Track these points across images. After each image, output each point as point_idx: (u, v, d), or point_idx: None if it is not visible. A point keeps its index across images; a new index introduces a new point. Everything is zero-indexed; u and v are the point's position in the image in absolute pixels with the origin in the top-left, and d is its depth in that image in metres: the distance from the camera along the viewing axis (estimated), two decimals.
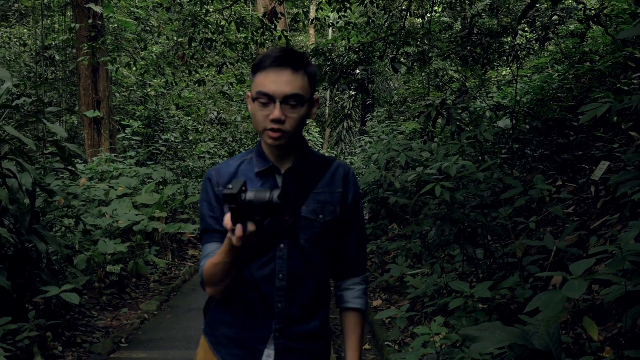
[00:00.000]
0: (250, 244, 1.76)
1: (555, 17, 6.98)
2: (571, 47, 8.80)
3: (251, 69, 2.04)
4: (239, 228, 1.69)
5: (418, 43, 9.04)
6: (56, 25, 14.67)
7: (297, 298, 2.06)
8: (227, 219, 1.71)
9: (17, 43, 15.06)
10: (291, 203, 2.04)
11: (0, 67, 5.93)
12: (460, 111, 6.38)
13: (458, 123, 6.22)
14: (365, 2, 8.98)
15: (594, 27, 8.46)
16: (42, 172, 7.41)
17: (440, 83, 12.54)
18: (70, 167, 6.12)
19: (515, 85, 7.09)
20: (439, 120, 6.61)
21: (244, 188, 1.67)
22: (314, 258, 2.07)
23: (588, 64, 7.93)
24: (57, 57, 14.54)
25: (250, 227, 1.70)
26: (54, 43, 14.40)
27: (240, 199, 1.65)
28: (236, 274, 2.00)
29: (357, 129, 24.48)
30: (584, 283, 2.67)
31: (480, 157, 6.16)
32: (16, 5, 16.60)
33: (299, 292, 2.06)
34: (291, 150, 2.08)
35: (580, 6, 6.62)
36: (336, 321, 2.56)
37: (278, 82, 1.95)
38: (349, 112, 24.84)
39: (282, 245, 2.04)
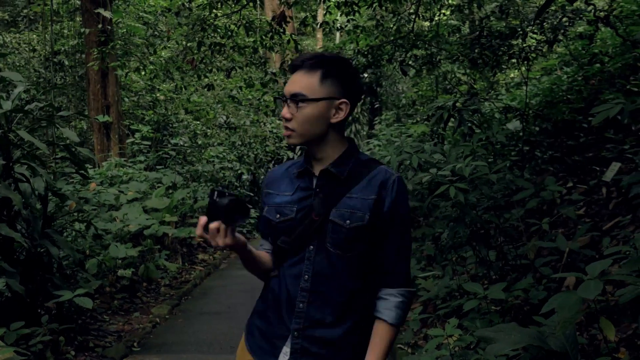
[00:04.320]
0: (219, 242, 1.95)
1: (565, 18, 6.96)
2: (580, 48, 8.78)
3: None
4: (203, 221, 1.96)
5: (427, 46, 9.04)
6: (65, 31, 14.72)
7: (320, 301, 2.07)
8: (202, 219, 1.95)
9: (27, 49, 15.13)
10: (320, 203, 2.08)
11: (12, 72, 5.96)
12: (471, 113, 6.38)
13: (469, 125, 6.22)
14: (374, 5, 8.98)
15: (603, 28, 8.43)
16: (53, 176, 7.44)
17: (449, 86, 12.53)
18: (82, 172, 6.14)
19: (525, 87, 7.08)
20: (451, 123, 6.60)
21: (216, 196, 1.95)
22: (339, 263, 2.06)
23: (598, 65, 7.91)
24: (66, 63, 14.59)
25: (212, 225, 1.92)
26: (63, 48, 14.46)
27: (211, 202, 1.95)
28: (257, 270, 2.21)
29: (365, 133, 24.45)
30: (599, 284, 2.67)
31: (491, 159, 6.16)
32: (25, 11, 16.71)
33: (322, 295, 2.07)
34: (326, 153, 2.12)
35: (590, 8, 6.60)
36: None
37: (290, 82, 2.08)
38: (357, 115, 24.83)
39: (311, 246, 2.08)
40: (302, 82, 2.05)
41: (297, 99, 2.04)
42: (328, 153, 2.11)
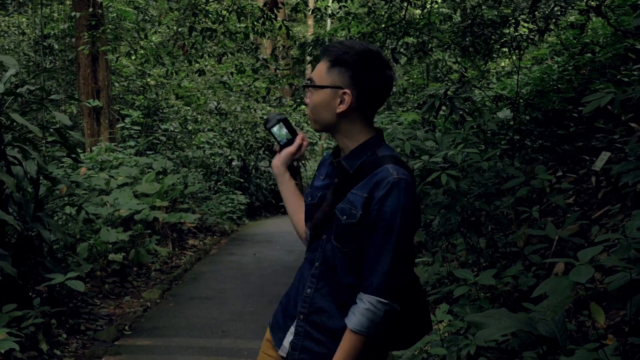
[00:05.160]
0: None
1: (556, 8, 6.98)
2: (571, 38, 8.81)
3: None
4: None
5: (418, 34, 9.05)
6: (55, 14, 14.61)
7: (324, 289, 2.10)
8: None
9: (16, 32, 15.00)
10: (331, 194, 2.12)
11: (5, 56, 5.92)
12: (463, 101, 6.42)
13: (461, 112, 6.26)
14: None
15: (594, 18, 8.47)
16: (44, 160, 7.42)
17: (440, 74, 12.55)
18: (73, 155, 6.13)
19: (517, 76, 7.11)
20: (442, 111, 6.63)
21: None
22: (339, 256, 2.07)
23: (589, 55, 7.95)
24: (56, 46, 14.49)
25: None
26: (53, 32, 14.35)
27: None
28: (291, 214, 2.37)
29: None
30: (590, 268, 2.71)
31: (482, 147, 6.19)
32: None
33: (327, 284, 2.10)
34: (344, 143, 2.13)
35: None
36: None
37: None
38: None
39: (324, 235, 2.12)
40: (317, 69, 2.09)
41: (307, 84, 2.11)
42: (346, 143, 2.11)
